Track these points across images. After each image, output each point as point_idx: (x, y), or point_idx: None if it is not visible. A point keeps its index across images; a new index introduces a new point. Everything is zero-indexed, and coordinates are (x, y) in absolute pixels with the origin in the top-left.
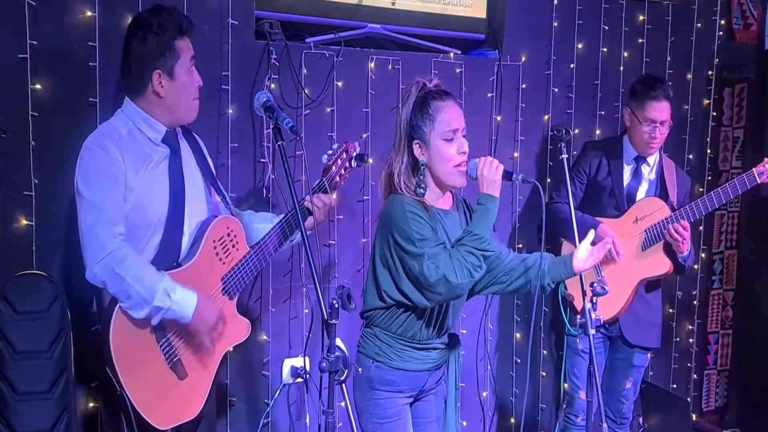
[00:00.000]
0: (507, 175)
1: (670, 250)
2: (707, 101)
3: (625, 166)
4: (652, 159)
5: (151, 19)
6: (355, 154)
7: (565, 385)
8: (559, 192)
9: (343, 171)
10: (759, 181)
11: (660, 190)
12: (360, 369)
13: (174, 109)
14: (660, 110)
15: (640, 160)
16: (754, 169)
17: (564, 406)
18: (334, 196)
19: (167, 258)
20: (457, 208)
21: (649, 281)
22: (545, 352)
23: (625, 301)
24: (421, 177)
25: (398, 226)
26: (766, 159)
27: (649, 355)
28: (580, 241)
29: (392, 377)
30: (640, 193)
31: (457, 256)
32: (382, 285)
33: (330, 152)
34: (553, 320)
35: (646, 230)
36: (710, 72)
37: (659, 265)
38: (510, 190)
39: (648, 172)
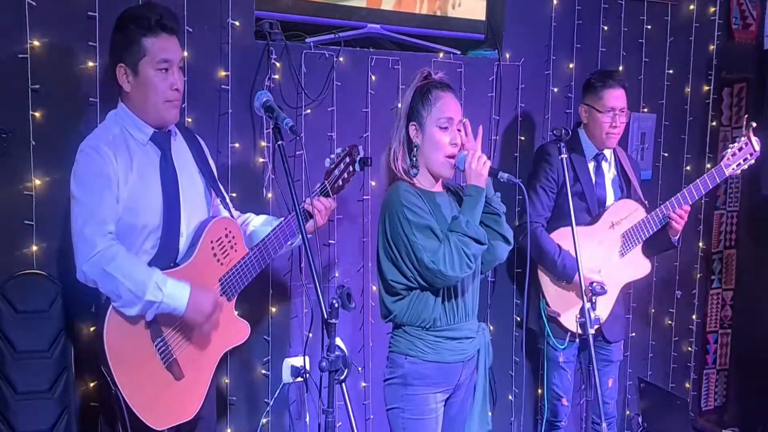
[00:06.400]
0: (493, 172)
1: (662, 244)
2: (706, 101)
3: (588, 165)
4: (609, 152)
5: (126, 13)
6: (358, 157)
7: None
8: (534, 206)
9: (346, 175)
10: (727, 174)
11: (623, 182)
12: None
13: (144, 108)
14: (618, 98)
15: (599, 156)
16: (721, 163)
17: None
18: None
19: (164, 259)
20: (447, 190)
21: None
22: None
23: (609, 310)
24: (414, 159)
25: (398, 215)
26: (729, 147)
27: (621, 346)
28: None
29: (427, 371)
30: (608, 192)
31: (455, 248)
32: (388, 276)
33: (333, 156)
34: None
35: (623, 235)
36: (709, 72)
37: (641, 267)
38: (510, 190)
39: (608, 168)
